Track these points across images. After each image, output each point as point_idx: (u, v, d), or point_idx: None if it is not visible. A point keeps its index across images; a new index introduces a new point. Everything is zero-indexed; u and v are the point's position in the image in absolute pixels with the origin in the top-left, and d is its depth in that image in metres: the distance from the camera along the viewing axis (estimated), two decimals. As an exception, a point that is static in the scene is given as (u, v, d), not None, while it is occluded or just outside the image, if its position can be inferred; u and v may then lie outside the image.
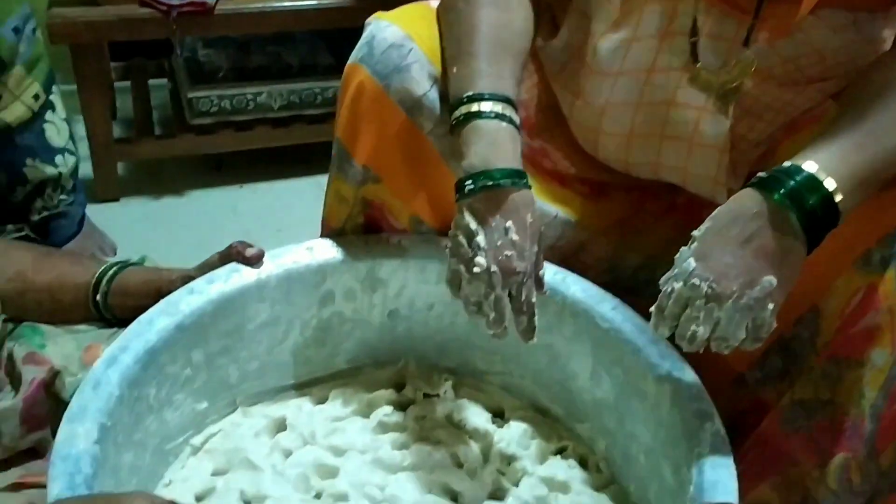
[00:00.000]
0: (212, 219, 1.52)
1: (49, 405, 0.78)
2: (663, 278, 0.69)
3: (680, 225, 0.92)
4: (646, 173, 0.88)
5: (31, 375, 0.76)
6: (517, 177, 0.72)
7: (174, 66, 1.67)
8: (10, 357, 0.80)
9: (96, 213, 1.42)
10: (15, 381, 0.78)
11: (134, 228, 1.46)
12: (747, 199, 0.67)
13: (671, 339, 0.73)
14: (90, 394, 0.68)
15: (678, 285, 0.67)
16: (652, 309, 0.70)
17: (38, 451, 0.79)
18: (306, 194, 1.62)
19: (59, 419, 0.77)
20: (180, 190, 1.60)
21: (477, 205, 0.72)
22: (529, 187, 0.73)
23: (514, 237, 0.72)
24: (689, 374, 0.76)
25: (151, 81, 1.70)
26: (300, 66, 1.64)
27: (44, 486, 0.72)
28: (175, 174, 1.64)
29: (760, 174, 0.68)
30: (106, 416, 0.67)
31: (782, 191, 0.65)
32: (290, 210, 1.56)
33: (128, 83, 1.69)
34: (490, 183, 0.71)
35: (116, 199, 1.55)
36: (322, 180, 1.62)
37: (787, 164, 0.67)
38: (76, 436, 0.65)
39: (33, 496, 0.69)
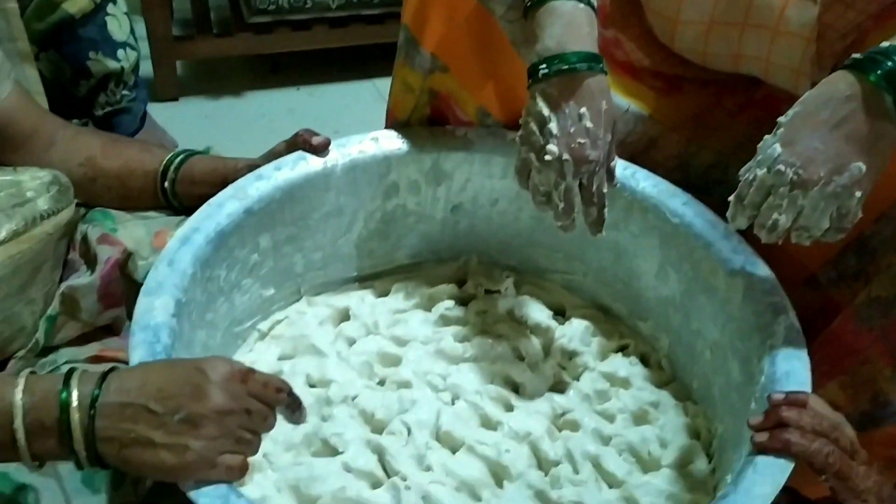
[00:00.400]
0: (269, 120, 1.52)
1: (123, 285, 0.79)
2: (744, 167, 0.67)
3: (756, 121, 0.88)
4: (724, 65, 0.85)
5: (107, 255, 0.78)
6: (593, 61, 0.70)
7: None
8: (85, 239, 0.81)
9: (156, 111, 1.42)
10: (90, 261, 0.80)
11: (193, 127, 1.47)
12: (840, 81, 0.63)
13: (746, 232, 0.71)
14: (165, 270, 0.70)
15: (761, 172, 0.64)
16: (730, 198, 0.68)
17: (114, 329, 0.81)
18: (363, 97, 1.60)
19: (132, 299, 0.79)
20: (238, 90, 1.60)
21: (550, 90, 0.70)
22: (605, 73, 0.71)
23: (588, 124, 0.70)
24: (762, 269, 0.74)
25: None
26: (359, -35, 1.60)
27: (120, 361, 0.75)
28: (233, 75, 1.63)
29: (855, 55, 0.64)
30: (181, 292, 0.69)
31: (879, 71, 0.62)
32: (347, 112, 1.55)
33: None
34: (565, 67, 0.69)
35: (176, 99, 1.55)
36: (379, 83, 1.63)
37: (884, 44, 0.63)
38: (154, 308, 0.66)
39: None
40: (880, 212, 0.72)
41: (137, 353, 0.63)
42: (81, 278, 0.77)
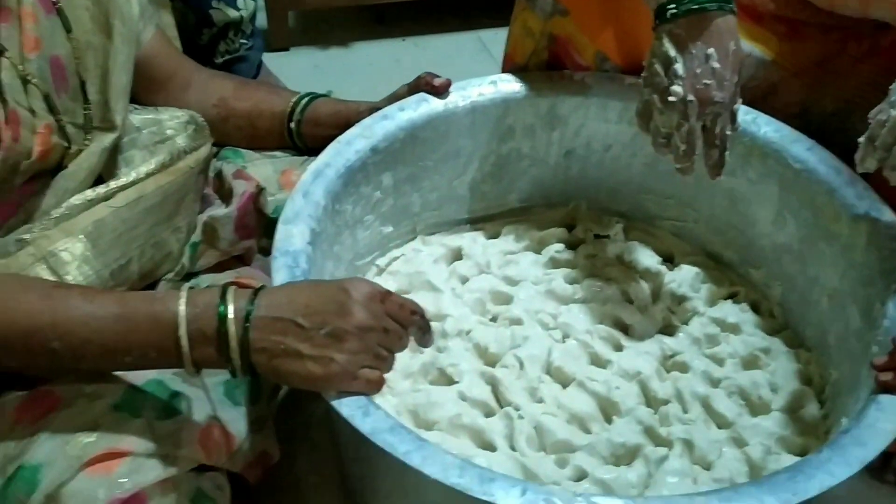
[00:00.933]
0: (376, 70, 1.55)
1: (256, 217, 0.84)
2: (876, 108, 0.66)
3: (882, 68, 0.86)
4: (853, 9, 0.82)
5: (242, 189, 0.83)
6: (723, 0, 0.70)
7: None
8: (220, 174, 0.86)
9: (269, 61, 1.47)
10: (224, 195, 0.85)
11: (303, 77, 1.51)
12: None
13: (872, 178, 0.71)
14: (301, 201, 0.74)
15: (895, 112, 0.64)
16: (861, 139, 0.67)
17: (245, 259, 0.87)
18: (467, 48, 1.61)
19: (263, 232, 0.85)
20: (346, 41, 1.63)
21: (678, 31, 0.71)
22: (735, 13, 0.71)
23: (715, 65, 0.70)
24: (887, 214, 0.73)
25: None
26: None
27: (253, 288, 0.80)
28: (341, 25, 1.67)
29: None
30: (315, 222, 0.73)
31: None
32: (452, 63, 1.56)
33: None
34: (695, 6, 0.69)
35: (287, 49, 1.60)
36: (483, 35, 1.64)
37: None
38: (293, 235, 0.71)
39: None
40: None
41: (280, 275, 0.67)
42: (219, 209, 0.82)
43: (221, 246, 0.81)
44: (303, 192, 0.75)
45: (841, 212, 0.76)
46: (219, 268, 0.83)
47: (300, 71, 1.54)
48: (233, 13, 1.30)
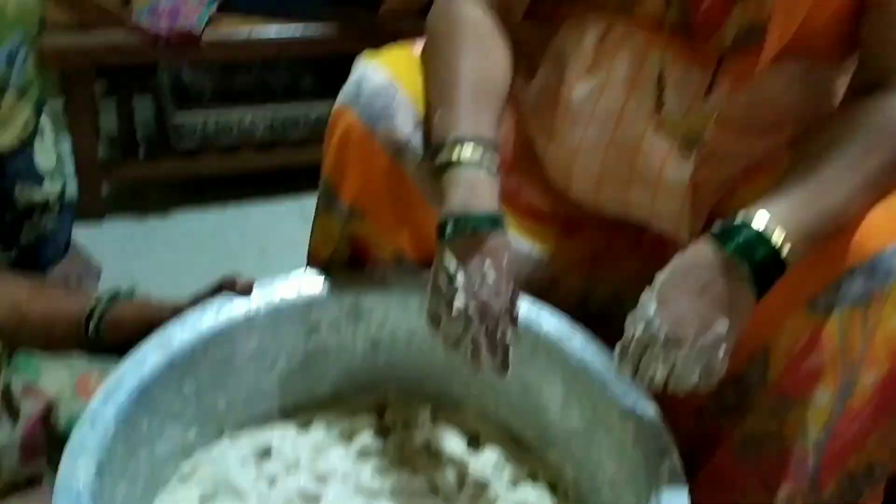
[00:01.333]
0: (196, 240, 1.55)
1: (44, 436, 0.81)
2: (627, 320, 0.74)
3: (647, 259, 0.97)
4: (615, 212, 0.93)
5: (30, 409, 0.80)
6: (495, 221, 0.77)
7: (159, 86, 1.70)
8: (8, 389, 0.83)
9: (81, 232, 1.44)
10: (13, 412, 0.82)
11: (118, 249, 1.48)
12: (703, 251, 0.72)
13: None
14: (88, 430, 0.72)
15: (640, 328, 0.72)
16: (615, 352, 0.75)
17: (34, 480, 0.82)
18: (290, 217, 1.65)
19: (54, 449, 0.81)
20: (164, 211, 1.63)
21: (457, 248, 0.77)
22: (506, 230, 0.78)
23: (492, 278, 0.77)
24: (650, 411, 0.81)
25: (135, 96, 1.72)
26: (284, 90, 1.68)
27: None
28: (159, 195, 1.67)
29: (716, 225, 0.73)
30: (103, 451, 0.71)
31: (735, 244, 0.71)
32: (274, 232, 1.59)
33: (110, 98, 1.71)
34: (469, 228, 0.76)
35: (101, 219, 1.57)
36: (305, 203, 1.68)
37: (740, 216, 0.72)
38: (77, 469, 0.68)
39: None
40: (750, 354, 0.81)
41: (60, 518, 0.64)
42: (3, 434, 0.78)
43: (4, 477, 0.77)
44: (90, 419, 0.73)
45: (612, 406, 0.83)
46: (2, 494, 0.78)
47: (115, 242, 1.51)
48: (38, 195, 1.27)
